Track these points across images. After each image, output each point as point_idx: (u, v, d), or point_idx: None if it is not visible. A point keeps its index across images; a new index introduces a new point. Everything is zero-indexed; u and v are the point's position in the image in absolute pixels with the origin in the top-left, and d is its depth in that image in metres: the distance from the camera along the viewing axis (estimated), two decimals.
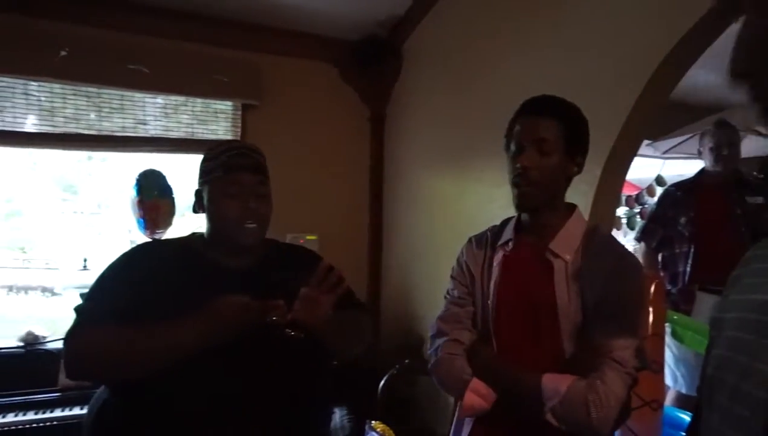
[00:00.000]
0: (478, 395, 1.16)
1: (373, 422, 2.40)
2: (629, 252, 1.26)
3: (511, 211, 1.28)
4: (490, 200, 2.30)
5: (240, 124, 3.02)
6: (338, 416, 2.54)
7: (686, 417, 2.05)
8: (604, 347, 1.08)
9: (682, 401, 2.45)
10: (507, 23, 2.39)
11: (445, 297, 1.33)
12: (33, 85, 2.62)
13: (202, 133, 2.95)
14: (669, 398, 2.48)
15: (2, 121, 2.58)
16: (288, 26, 3.01)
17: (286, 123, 3.07)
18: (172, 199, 2.61)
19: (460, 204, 2.64)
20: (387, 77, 3.23)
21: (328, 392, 1.45)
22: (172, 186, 2.64)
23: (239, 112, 3.02)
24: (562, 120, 1.18)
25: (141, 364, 1.11)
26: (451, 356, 1.22)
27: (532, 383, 1.10)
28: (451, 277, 1.33)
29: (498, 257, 1.25)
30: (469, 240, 1.35)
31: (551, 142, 1.16)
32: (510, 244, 1.25)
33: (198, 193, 1.29)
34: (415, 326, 2.92)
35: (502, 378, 1.16)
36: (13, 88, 2.59)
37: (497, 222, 1.35)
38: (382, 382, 2.55)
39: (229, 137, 2.99)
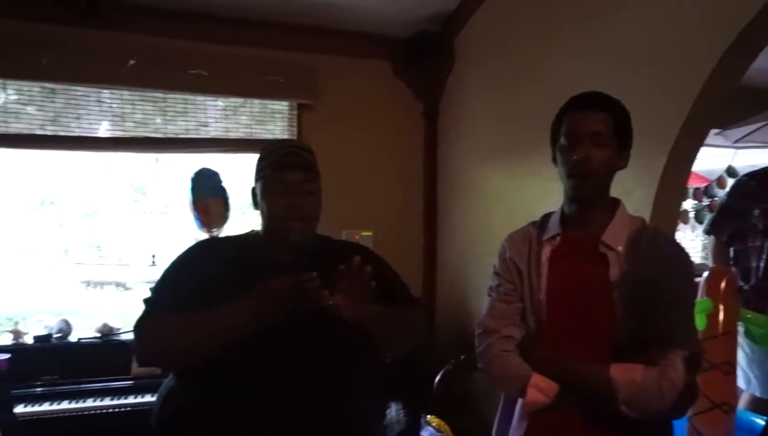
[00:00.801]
0: (539, 390, 1.16)
1: (428, 416, 2.41)
2: (678, 243, 1.29)
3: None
4: (548, 194, 2.25)
5: (296, 124, 3.10)
6: (394, 410, 2.57)
7: (761, 421, 1.94)
8: (666, 335, 1.11)
9: (756, 405, 2.32)
10: (563, 10, 2.33)
11: (489, 294, 1.33)
12: (105, 93, 2.80)
13: (260, 133, 3.05)
14: (742, 402, 2.35)
15: (79, 127, 2.77)
16: (341, 26, 3.06)
17: (340, 121, 3.12)
18: (224, 198, 2.71)
19: (516, 199, 2.60)
20: (439, 73, 3.21)
21: (381, 385, 1.46)
22: (224, 185, 2.74)
23: (295, 112, 3.10)
24: (613, 114, 1.21)
25: (198, 347, 1.17)
26: (505, 353, 1.22)
27: (601, 375, 1.11)
28: (495, 273, 1.34)
29: (546, 251, 1.25)
30: (510, 236, 1.35)
31: (605, 135, 1.19)
32: (558, 238, 1.25)
33: (253, 191, 1.34)
34: (471, 322, 2.90)
35: (566, 372, 1.16)
36: (88, 96, 2.77)
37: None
38: (438, 377, 2.56)
39: (285, 137, 3.08)
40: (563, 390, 1.15)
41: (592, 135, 1.18)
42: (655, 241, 1.20)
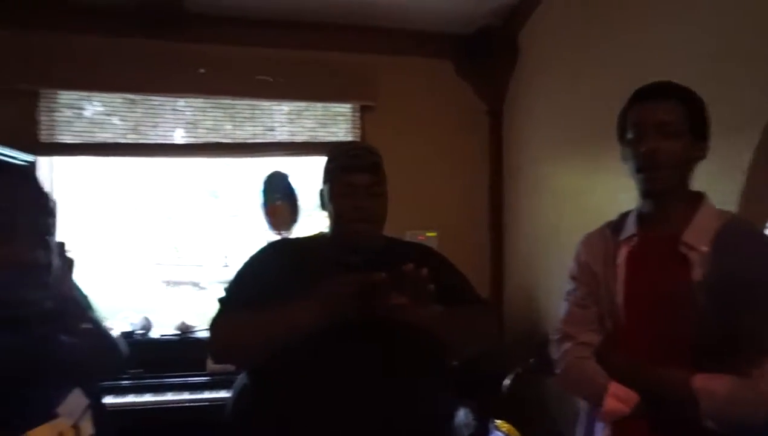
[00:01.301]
0: (618, 399, 1.11)
1: (497, 421, 2.36)
2: None
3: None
4: (622, 190, 2.14)
5: (359, 126, 3.12)
6: (462, 413, 2.53)
7: None
8: (759, 343, 1.02)
9: None
10: None
11: (566, 299, 1.27)
12: (180, 102, 2.94)
13: (324, 136, 3.10)
14: None
15: (156, 135, 2.92)
16: (402, 25, 3.05)
17: (402, 121, 3.11)
18: (293, 201, 2.78)
19: (588, 196, 2.49)
20: (503, 69, 3.14)
21: (448, 388, 1.44)
22: (294, 188, 2.80)
23: (357, 114, 3.12)
24: (683, 102, 1.13)
25: (266, 345, 1.20)
26: (581, 360, 1.17)
27: (683, 384, 1.04)
28: (571, 277, 1.28)
29: (622, 253, 1.18)
30: (586, 238, 1.30)
31: (674, 125, 1.12)
32: (634, 239, 1.18)
33: (321, 193, 1.36)
34: (541, 325, 2.82)
35: (646, 381, 1.09)
36: (164, 105, 2.92)
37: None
38: (507, 381, 2.50)
39: (348, 139, 3.10)
40: (643, 400, 1.08)
41: (659, 125, 1.11)
42: (746, 237, 1.11)
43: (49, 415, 0.80)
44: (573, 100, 2.63)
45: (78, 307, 1.33)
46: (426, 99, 3.18)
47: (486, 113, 3.26)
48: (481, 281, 3.09)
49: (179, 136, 2.98)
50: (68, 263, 1.30)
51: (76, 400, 0.85)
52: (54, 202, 0.86)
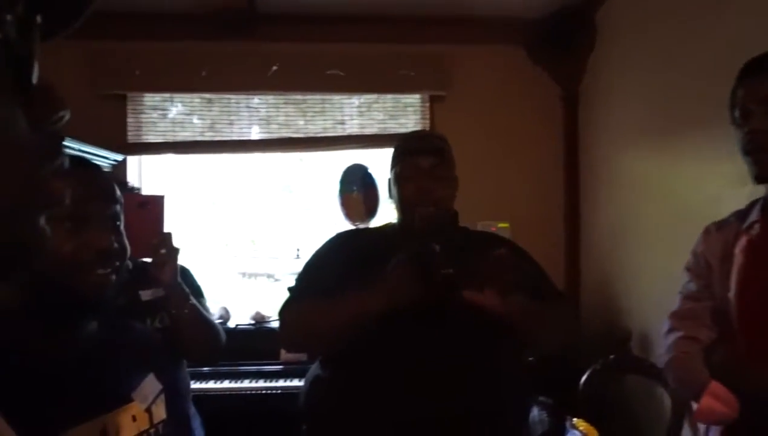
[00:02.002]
0: (717, 399, 1.03)
1: (574, 419, 2.26)
2: None
3: (741, 190, 1.09)
4: (709, 178, 1.99)
5: (428, 116, 3.09)
6: (536, 411, 2.45)
7: None
8: None
9: None
10: None
11: (680, 291, 1.20)
12: (254, 100, 3.04)
13: (394, 127, 3.09)
14: None
15: (232, 132, 3.04)
16: (471, 12, 2.98)
17: (473, 110, 3.05)
18: (369, 192, 2.79)
19: (672, 185, 2.33)
20: (580, 52, 2.99)
21: (525, 383, 1.41)
22: (373, 180, 2.82)
23: (427, 105, 3.10)
24: None
25: (333, 332, 1.21)
26: (684, 355, 1.11)
27: None
28: (685, 269, 1.19)
29: (741, 242, 1.08)
30: (707, 228, 1.19)
31: None
32: (756, 226, 1.07)
33: (389, 181, 1.36)
34: (620, 320, 2.68)
35: (751, 382, 1.01)
36: (239, 103, 3.03)
37: (720, 201, 1.16)
38: (584, 378, 2.39)
39: (418, 129, 3.08)
40: (746, 404, 1.00)
41: (766, 101, 1.00)
42: None
43: (124, 399, 0.85)
44: (654, 83, 2.46)
45: (181, 294, 1.41)
46: (497, 87, 3.09)
47: (561, 99, 3.13)
48: (555, 274, 2.94)
49: (254, 133, 3.07)
50: (173, 252, 1.39)
51: (150, 385, 0.89)
52: (119, 192, 0.91)
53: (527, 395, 1.81)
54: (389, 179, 1.35)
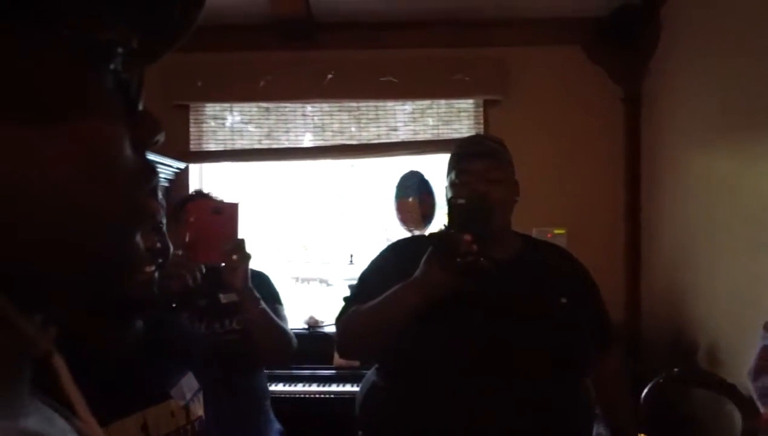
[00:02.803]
0: None
1: (639, 435, 2.17)
2: None
3: None
4: None
5: (482, 121, 3.06)
6: (596, 424, 2.36)
7: None
8: None
9: None
10: None
11: None
12: (308, 108, 3.09)
13: (447, 133, 3.07)
14: None
15: (287, 139, 3.10)
16: (526, 14, 2.93)
17: (529, 114, 2.99)
18: (426, 198, 2.78)
19: (749, 184, 2.18)
20: (643, 50, 2.88)
21: (586, 394, 1.36)
22: (429, 186, 2.81)
23: (481, 109, 3.06)
24: None
25: (381, 332, 1.21)
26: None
27: None
28: None
29: None
30: None
31: None
32: None
33: (446, 188, 1.35)
34: (688, 331, 2.54)
35: None
36: (294, 111, 3.09)
37: None
38: (645, 391, 2.28)
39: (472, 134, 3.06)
40: None
41: None
42: None
43: (164, 395, 0.88)
44: (725, 79, 2.33)
45: (251, 299, 1.46)
46: (554, 89, 3.02)
47: (622, 100, 3.02)
48: (615, 281, 2.87)
49: (308, 140, 3.13)
50: (245, 258, 1.44)
51: (188, 383, 0.92)
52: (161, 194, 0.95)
53: (589, 408, 1.75)
54: (446, 186, 1.35)
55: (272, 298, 1.71)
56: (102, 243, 0.33)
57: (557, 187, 2.97)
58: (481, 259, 1.10)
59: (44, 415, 0.35)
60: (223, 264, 1.41)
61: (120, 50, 0.34)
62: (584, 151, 3.02)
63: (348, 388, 2.62)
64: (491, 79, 2.97)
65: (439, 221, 2.88)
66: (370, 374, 1.74)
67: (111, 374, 0.80)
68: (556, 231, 2.86)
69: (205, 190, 1.85)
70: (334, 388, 2.68)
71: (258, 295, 1.49)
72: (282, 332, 1.56)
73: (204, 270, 1.01)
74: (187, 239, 1.31)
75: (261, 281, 1.74)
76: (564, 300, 1.26)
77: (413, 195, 2.87)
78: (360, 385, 1.85)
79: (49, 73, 0.31)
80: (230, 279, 1.43)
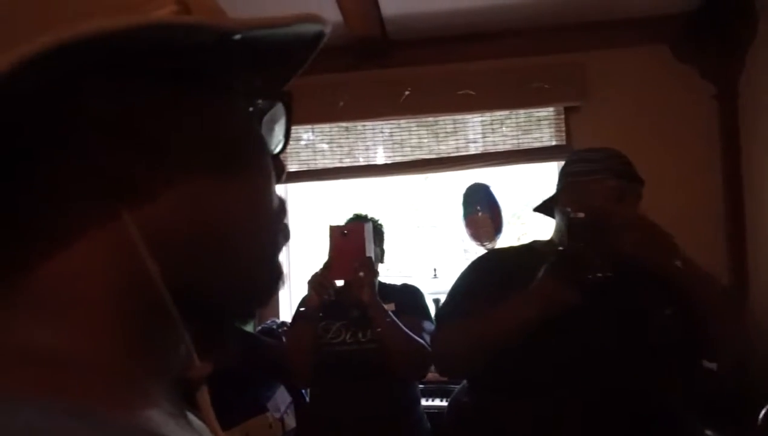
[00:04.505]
0: None
1: None
2: None
3: None
4: None
5: (564, 129, 2.98)
6: None
7: None
8: None
9: None
10: None
11: None
12: (387, 124, 3.15)
13: (527, 142, 3.02)
14: None
15: (367, 157, 3.17)
16: (606, 16, 2.83)
17: (613, 119, 2.88)
18: (495, 212, 2.75)
19: None
20: (737, 44, 2.70)
21: (693, 412, 1.29)
22: (495, 199, 2.77)
23: (561, 117, 2.99)
24: None
25: (496, 343, 1.20)
26: None
27: None
28: None
29: None
30: None
31: None
32: None
33: (553, 199, 1.34)
34: None
35: None
36: (373, 129, 3.16)
37: None
38: (765, 410, 2.11)
39: (553, 144, 2.98)
40: None
41: None
42: None
43: (260, 409, 0.93)
44: None
45: (379, 312, 1.57)
46: (639, 91, 2.89)
47: (715, 98, 2.85)
48: None
49: (387, 156, 3.18)
50: (371, 275, 1.59)
51: (281, 396, 0.97)
52: None
53: (694, 430, 1.65)
54: (554, 198, 1.33)
55: (420, 312, 1.80)
56: (264, 268, 0.38)
57: (648, 193, 2.81)
58: (610, 275, 1.08)
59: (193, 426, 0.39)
60: (356, 279, 1.57)
61: (260, 103, 0.39)
62: (674, 152, 2.86)
63: (436, 402, 2.60)
64: (569, 85, 2.89)
65: (509, 233, 2.83)
66: (457, 391, 1.74)
67: (214, 388, 0.85)
68: None
69: (362, 213, 2.04)
70: (422, 402, 2.67)
71: (385, 309, 1.59)
72: (413, 344, 1.62)
73: (337, 286, 1.10)
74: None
75: (412, 295, 1.86)
76: (668, 312, 1.21)
77: (483, 210, 2.84)
78: (448, 401, 1.85)
79: (235, 129, 0.36)
80: (358, 294, 1.53)
